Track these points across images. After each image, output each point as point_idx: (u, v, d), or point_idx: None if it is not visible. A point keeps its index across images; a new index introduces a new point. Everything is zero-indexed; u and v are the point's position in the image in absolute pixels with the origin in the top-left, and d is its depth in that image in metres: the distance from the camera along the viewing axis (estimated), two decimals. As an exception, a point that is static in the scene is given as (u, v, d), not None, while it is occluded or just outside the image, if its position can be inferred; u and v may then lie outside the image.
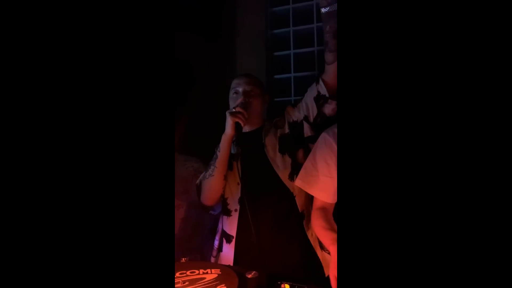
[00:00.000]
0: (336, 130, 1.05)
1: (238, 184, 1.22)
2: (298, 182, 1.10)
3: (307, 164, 1.10)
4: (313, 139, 1.19)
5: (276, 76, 1.81)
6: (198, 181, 1.29)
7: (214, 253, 1.30)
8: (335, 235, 0.92)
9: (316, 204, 1.07)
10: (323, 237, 0.98)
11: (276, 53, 1.82)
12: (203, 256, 1.43)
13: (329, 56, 1.11)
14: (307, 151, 1.18)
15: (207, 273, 0.87)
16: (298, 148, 1.22)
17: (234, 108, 1.18)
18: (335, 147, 1.02)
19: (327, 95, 1.15)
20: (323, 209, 1.04)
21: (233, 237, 1.23)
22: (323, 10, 1.07)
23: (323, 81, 1.15)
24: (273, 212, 1.18)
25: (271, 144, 1.23)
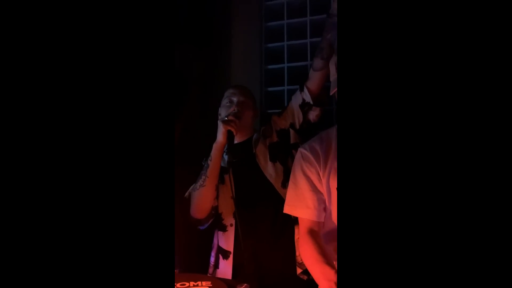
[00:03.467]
0: (311, 142, 1.03)
1: (232, 198, 1.20)
2: (286, 209, 1.02)
3: (289, 186, 1.04)
4: (298, 145, 1.20)
5: (269, 89, 1.83)
6: (187, 193, 1.26)
7: (210, 270, 1.27)
8: (332, 272, 0.80)
9: (303, 226, 0.97)
10: (317, 272, 0.85)
11: (270, 66, 1.85)
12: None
13: (318, 63, 1.14)
14: (293, 157, 1.18)
15: (197, 285, 0.86)
16: (287, 155, 1.23)
17: (226, 116, 1.18)
18: (313, 160, 0.98)
19: (311, 102, 1.18)
20: (312, 232, 0.94)
21: (230, 252, 1.20)
22: (333, 19, 1.09)
23: (308, 88, 1.17)
24: (270, 223, 1.17)
25: (261, 153, 1.23)
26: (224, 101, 1.27)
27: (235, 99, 1.24)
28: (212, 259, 1.27)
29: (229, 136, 1.15)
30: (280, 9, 1.82)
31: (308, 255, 0.89)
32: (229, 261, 1.20)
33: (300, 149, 1.05)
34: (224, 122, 1.15)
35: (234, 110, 1.20)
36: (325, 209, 0.98)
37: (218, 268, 1.24)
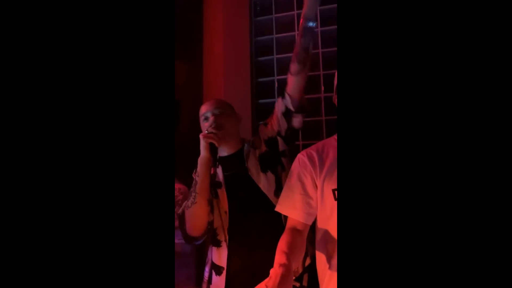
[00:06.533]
0: (310, 150, 1.07)
1: (226, 213, 1.19)
2: (277, 207, 1.07)
3: (284, 188, 1.09)
4: (286, 153, 1.22)
5: (260, 101, 1.88)
6: (180, 210, 1.22)
7: (204, 286, 1.25)
8: (285, 260, 0.85)
9: (289, 223, 1.03)
10: (276, 257, 0.91)
11: (260, 79, 1.90)
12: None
13: (294, 67, 1.15)
14: (282, 165, 1.21)
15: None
16: (277, 163, 1.22)
17: (206, 130, 1.17)
18: (309, 165, 1.03)
19: (292, 109, 1.18)
20: (294, 230, 1.00)
21: (223, 268, 1.18)
22: (309, 24, 1.11)
23: (288, 94, 1.18)
24: (266, 236, 1.15)
25: (253, 166, 1.22)
26: (201, 119, 1.25)
27: (209, 114, 1.22)
28: (206, 274, 1.26)
29: (212, 149, 1.13)
30: (269, 24, 1.89)
31: (278, 247, 0.94)
32: (222, 277, 1.18)
33: (299, 155, 1.09)
34: (204, 135, 1.14)
35: (212, 121, 1.19)
36: (312, 213, 1.02)
37: (211, 283, 1.23)
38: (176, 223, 1.38)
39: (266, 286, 0.76)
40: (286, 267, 0.82)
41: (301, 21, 1.13)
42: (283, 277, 0.79)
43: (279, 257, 0.88)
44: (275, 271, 0.82)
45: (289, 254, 0.88)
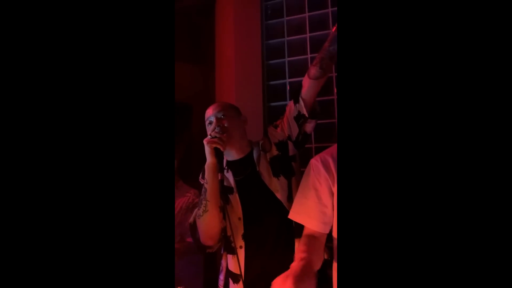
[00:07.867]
0: (324, 155, 1.03)
1: (239, 219, 1.16)
2: (291, 215, 1.04)
3: (297, 194, 1.06)
4: (295, 157, 1.20)
5: (271, 104, 1.88)
6: (191, 219, 1.20)
7: None
8: (305, 254, 0.85)
9: (305, 231, 1.00)
10: (295, 256, 0.91)
11: (271, 82, 1.90)
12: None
13: (316, 72, 1.12)
14: (293, 170, 1.19)
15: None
16: (288, 168, 1.20)
17: (209, 135, 1.14)
18: (324, 172, 0.98)
19: (306, 115, 1.16)
20: (311, 237, 0.97)
21: (241, 276, 1.16)
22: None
23: (303, 99, 1.15)
24: (282, 242, 1.13)
25: (265, 170, 1.19)
26: (206, 124, 1.23)
27: (212, 118, 1.20)
28: (221, 283, 1.23)
29: (217, 153, 1.10)
30: (280, 27, 1.90)
31: (296, 248, 0.93)
32: (240, 285, 1.16)
33: (312, 160, 1.04)
34: (207, 141, 1.11)
35: (215, 126, 1.16)
36: (328, 222, 0.99)
37: None
38: (177, 229, 1.38)
39: (287, 276, 0.75)
40: (307, 260, 0.81)
41: (333, 28, 1.10)
42: (304, 268, 0.79)
43: (299, 255, 0.87)
44: (295, 264, 0.81)
45: (309, 252, 0.87)
